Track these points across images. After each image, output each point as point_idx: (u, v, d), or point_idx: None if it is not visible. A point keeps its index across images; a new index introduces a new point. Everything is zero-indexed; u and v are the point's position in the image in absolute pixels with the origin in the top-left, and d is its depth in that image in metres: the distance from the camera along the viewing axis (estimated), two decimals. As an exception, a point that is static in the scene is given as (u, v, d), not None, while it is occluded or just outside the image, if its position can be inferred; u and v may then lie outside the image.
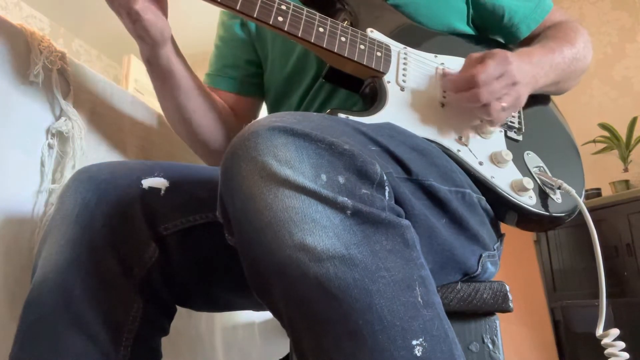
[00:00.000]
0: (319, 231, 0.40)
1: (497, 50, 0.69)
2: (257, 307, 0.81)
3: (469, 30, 0.86)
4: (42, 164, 0.73)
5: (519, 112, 0.80)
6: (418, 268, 0.43)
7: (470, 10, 0.85)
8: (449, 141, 0.70)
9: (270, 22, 0.65)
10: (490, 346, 0.62)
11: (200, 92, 0.80)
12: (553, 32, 0.84)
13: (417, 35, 0.78)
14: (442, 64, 0.76)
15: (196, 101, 0.79)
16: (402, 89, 0.71)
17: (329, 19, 0.69)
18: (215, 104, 0.84)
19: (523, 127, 0.78)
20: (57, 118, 0.75)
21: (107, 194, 0.60)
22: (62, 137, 0.75)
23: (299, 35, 0.66)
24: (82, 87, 0.81)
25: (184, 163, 0.75)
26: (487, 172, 0.70)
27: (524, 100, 0.71)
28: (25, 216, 0.70)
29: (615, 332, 0.61)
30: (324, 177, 0.43)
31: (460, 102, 0.69)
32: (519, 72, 0.68)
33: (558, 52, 0.78)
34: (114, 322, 0.56)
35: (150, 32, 0.66)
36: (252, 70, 0.92)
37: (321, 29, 0.68)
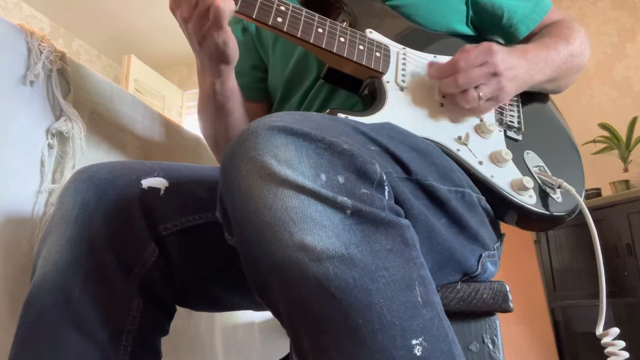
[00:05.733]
0: (319, 231, 0.40)
1: (486, 42, 0.70)
2: (257, 307, 0.81)
3: (468, 31, 0.86)
4: (42, 164, 0.73)
5: (519, 112, 0.80)
6: (418, 267, 0.43)
7: (470, 11, 0.85)
8: (449, 141, 0.70)
9: (270, 23, 0.65)
10: (490, 346, 0.62)
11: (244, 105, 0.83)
12: (549, 30, 0.85)
13: (416, 36, 0.78)
14: (442, 64, 0.76)
15: (245, 114, 0.82)
16: (402, 89, 0.71)
17: (328, 19, 0.69)
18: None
19: (523, 127, 0.78)
20: (57, 118, 0.75)
21: (107, 194, 0.60)
22: (62, 137, 0.75)
23: (298, 35, 0.66)
24: (82, 87, 0.81)
25: (184, 163, 0.75)
26: (487, 171, 0.70)
27: (508, 93, 0.71)
28: (25, 216, 0.70)
29: (615, 331, 0.61)
30: (323, 176, 0.43)
31: (443, 89, 0.71)
32: (502, 63, 0.69)
33: (553, 49, 0.79)
34: (114, 322, 0.56)
35: (231, 51, 0.68)
36: (258, 75, 0.92)
37: (320, 30, 0.68)
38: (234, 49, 0.68)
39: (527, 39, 0.86)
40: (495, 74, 0.68)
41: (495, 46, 0.69)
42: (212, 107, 0.78)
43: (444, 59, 0.77)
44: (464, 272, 0.66)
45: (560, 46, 0.80)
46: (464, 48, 0.70)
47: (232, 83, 0.76)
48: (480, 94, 0.68)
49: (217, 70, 0.72)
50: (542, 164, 0.75)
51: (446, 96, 0.73)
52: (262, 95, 0.92)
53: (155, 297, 0.61)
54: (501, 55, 0.69)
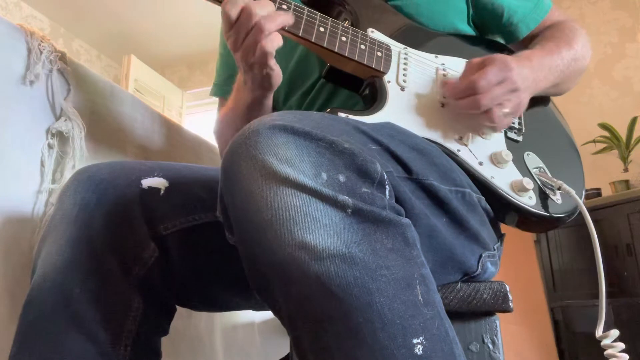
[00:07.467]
0: (320, 230, 0.40)
1: (498, 56, 0.69)
2: (257, 307, 0.81)
3: (470, 30, 0.86)
4: (42, 164, 0.73)
5: (519, 113, 0.79)
6: (418, 266, 0.43)
7: (470, 10, 0.85)
8: (449, 141, 0.70)
9: (271, 22, 0.65)
10: (490, 346, 0.62)
11: None
12: (551, 33, 0.84)
13: (417, 35, 0.78)
14: (443, 64, 0.76)
15: None
16: (403, 89, 0.71)
17: (330, 18, 0.69)
18: None
19: (523, 128, 0.78)
20: (57, 118, 0.75)
21: (107, 194, 0.59)
22: (62, 137, 0.75)
23: (300, 34, 0.66)
24: (82, 87, 0.81)
25: (184, 163, 0.75)
26: (487, 172, 0.70)
27: (525, 105, 0.71)
28: (25, 216, 0.70)
29: (615, 333, 0.61)
30: (324, 175, 0.43)
31: (461, 109, 0.69)
32: (519, 77, 0.68)
33: (557, 54, 0.78)
34: (114, 321, 0.56)
35: (274, 81, 0.69)
36: None
37: (322, 29, 0.68)
38: (276, 78, 0.69)
39: (528, 39, 0.86)
40: (515, 90, 0.68)
41: (510, 60, 0.68)
42: (245, 120, 0.78)
43: (445, 58, 0.77)
44: (464, 272, 0.66)
45: (563, 50, 0.79)
46: (472, 62, 0.69)
47: (269, 102, 0.76)
48: (505, 111, 0.67)
49: (258, 91, 0.72)
50: (542, 165, 0.75)
51: (447, 97, 0.73)
52: None
53: (155, 297, 0.61)
54: (517, 70, 0.68)
